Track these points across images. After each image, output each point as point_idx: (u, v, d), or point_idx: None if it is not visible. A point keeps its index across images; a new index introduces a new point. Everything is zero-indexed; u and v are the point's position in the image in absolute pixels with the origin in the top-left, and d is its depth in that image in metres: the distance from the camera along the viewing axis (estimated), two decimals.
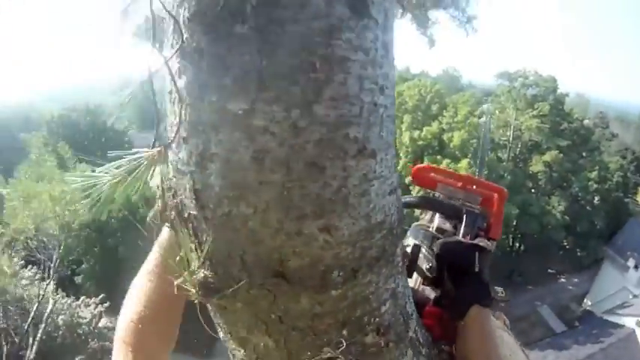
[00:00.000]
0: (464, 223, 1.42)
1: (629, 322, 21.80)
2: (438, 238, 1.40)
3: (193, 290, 0.86)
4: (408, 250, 1.41)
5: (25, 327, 13.60)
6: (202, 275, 0.85)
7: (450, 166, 25.84)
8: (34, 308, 13.70)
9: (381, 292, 0.92)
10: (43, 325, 13.58)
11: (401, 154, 28.52)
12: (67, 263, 23.41)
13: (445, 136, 27.84)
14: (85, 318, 15.29)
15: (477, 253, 1.28)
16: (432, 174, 1.52)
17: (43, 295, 14.12)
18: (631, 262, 26.66)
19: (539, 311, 28.53)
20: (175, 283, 0.88)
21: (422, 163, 27.54)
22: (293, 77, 0.70)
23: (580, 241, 31.13)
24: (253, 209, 0.77)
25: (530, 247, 31.63)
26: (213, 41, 0.71)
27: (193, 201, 0.82)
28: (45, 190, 15.05)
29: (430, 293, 1.35)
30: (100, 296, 16.22)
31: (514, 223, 28.85)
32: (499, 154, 30.54)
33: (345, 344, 0.88)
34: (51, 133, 29.73)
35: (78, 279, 24.36)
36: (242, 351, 1.00)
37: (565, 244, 32.30)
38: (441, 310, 1.28)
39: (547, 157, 29.74)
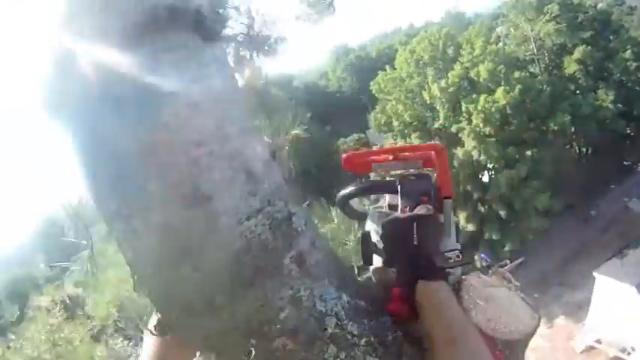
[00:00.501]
0: (399, 195, 1.40)
1: None
2: None
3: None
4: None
5: None
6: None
7: (487, 99, 24.57)
8: None
9: (275, 302, 1.03)
10: None
11: (437, 107, 27.69)
12: None
13: (472, 73, 27.05)
14: None
15: (415, 224, 1.24)
16: (361, 159, 1.52)
17: None
18: None
19: (630, 206, 27.47)
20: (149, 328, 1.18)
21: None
22: None
23: None
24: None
25: (598, 148, 29.01)
26: None
27: None
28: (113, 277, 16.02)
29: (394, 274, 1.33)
30: None
31: (572, 130, 26.81)
32: (531, 70, 29.46)
33: (253, 351, 1.03)
34: None
35: None
36: None
37: (629, 131, 29.23)
38: (401, 289, 1.26)
39: (577, 54, 27.20)
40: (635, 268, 19.58)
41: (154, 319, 1.19)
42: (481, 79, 26.15)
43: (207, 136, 0.97)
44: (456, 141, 26.35)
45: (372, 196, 1.68)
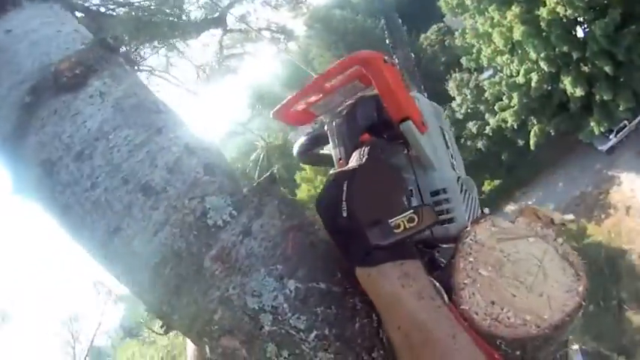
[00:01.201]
0: (331, 143, 1.12)
1: None
2: None
3: None
4: None
5: None
6: None
7: None
8: None
9: (206, 305, 1.03)
10: None
11: None
12: None
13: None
14: None
15: (344, 186, 0.90)
16: (291, 108, 1.18)
17: None
18: None
19: None
20: None
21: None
22: None
23: None
24: None
25: None
26: None
27: None
28: None
29: None
30: None
31: None
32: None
33: (208, 350, 1.06)
34: None
35: None
36: None
37: None
38: None
39: None
40: None
41: None
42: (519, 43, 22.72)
43: (97, 175, 1.07)
44: (537, 2, 23.49)
45: None
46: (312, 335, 1.00)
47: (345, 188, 0.89)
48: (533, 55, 22.70)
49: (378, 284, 0.87)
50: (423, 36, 32.99)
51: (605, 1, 20.90)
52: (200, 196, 1.06)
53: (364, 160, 0.93)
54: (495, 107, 24.76)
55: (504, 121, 24.24)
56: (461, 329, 0.82)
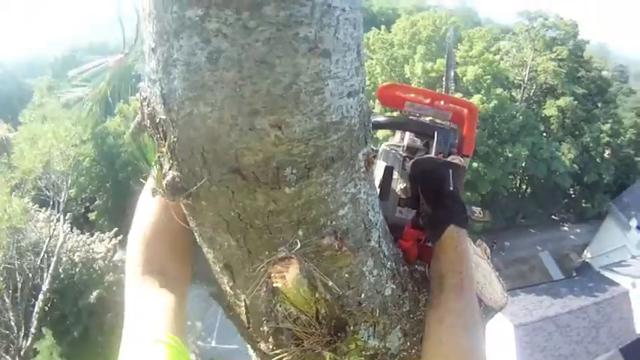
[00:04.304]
0: (435, 140, 1.42)
1: (624, 281, 22.70)
2: (410, 158, 1.41)
3: (164, 192, 0.93)
4: (380, 173, 1.42)
5: (38, 263, 14.99)
6: (171, 176, 0.92)
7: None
8: (45, 245, 15.10)
9: (339, 195, 0.95)
10: (54, 259, 14.94)
11: (412, 84, 28.28)
12: (80, 201, 25.85)
13: (459, 70, 27.52)
14: (100, 253, 16.76)
15: (450, 171, 1.29)
16: (398, 92, 1.50)
17: (54, 231, 15.50)
18: (634, 222, 27.37)
19: (540, 256, 29.78)
20: (151, 186, 0.99)
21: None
22: None
23: (586, 192, 31.94)
24: (210, 107, 0.81)
25: (537, 191, 32.59)
26: None
27: (161, 106, 0.87)
28: (49, 130, 15.42)
29: (407, 214, 1.37)
30: (114, 230, 17.30)
31: (522, 165, 29.56)
32: (513, 93, 30.36)
33: (299, 244, 0.93)
34: (55, 76, 30.18)
35: (92, 216, 25.91)
36: (212, 253, 1.08)
37: (571, 192, 33.15)
38: (418, 231, 1.32)
39: (561, 102, 29.72)
40: (521, 309, 21.12)
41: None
42: (464, 79, 26.78)
43: None
44: None
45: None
46: (389, 263, 1.16)
47: (451, 172, 1.29)
48: None
49: (461, 240, 1.24)
50: None
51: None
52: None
53: (464, 163, 1.36)
54: None
55: None
56: None
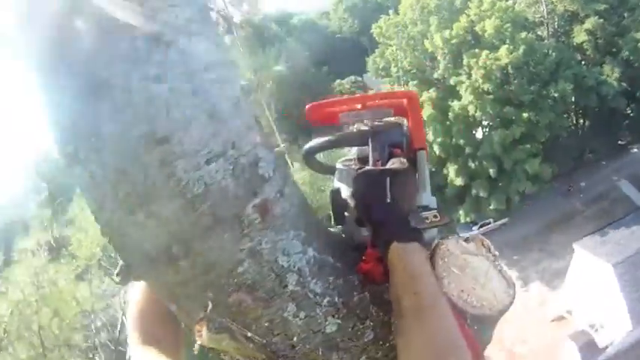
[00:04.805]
0: (370, 147, 1.34)
1: None
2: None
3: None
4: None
5: (117, 333, 16.91)
6: (119, 266, 1.12)
7: (489, 56, 25.00)
8: (121, 314, 16.62)
9: (232, 254, 1.00)
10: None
11: (438, 57, 27.81)
12: None
13: (477, 28, 26.70)
14: None
15: (388, 180, 1.19)
16: (326, 109, 1.45)
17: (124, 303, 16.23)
18: None
19: (619, 186, 27.52)
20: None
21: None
22: None
23: None
24: (110, 213, 0.98)
25: (595, 123, 29.80)
26: None
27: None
28: None
29: (367, 233, 1.29)
30: None
31: (572, 100, 27.62)
32: (538, 33, 29.20)
33: (211, 305, 1.01)
34: None
35: None
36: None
37: (629, 112, 30.11)
38: (375, 250, 1.23)
39: (587, 24, 27.38)
40: (614, 246, 20.26)
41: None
42: (486, 35, 26.17)
43: (167, 71, 0.89)
44: (453, 94, 26.32)
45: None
46: (326, 300, 1.13)
47: (388, 181, 1.18)
48: (430, 137, 24.74)
49: (409, 256, 1.14)
50: (337, 81, 34.54)
51: (513, 117, 23.65)
52: (253, 144, 1.02)
53: (406, 165, 1.25)
54: None
55: None
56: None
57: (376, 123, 1.40)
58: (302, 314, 1.09)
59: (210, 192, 0.94)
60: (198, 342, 1.03)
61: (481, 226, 27.90)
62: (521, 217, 27.34)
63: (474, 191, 27.10)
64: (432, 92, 27.17)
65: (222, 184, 0.96)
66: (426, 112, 25.68)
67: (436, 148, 26.72)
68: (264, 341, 1.06)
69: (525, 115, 25.28)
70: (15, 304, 16.26)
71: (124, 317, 16.85)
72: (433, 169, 26.15)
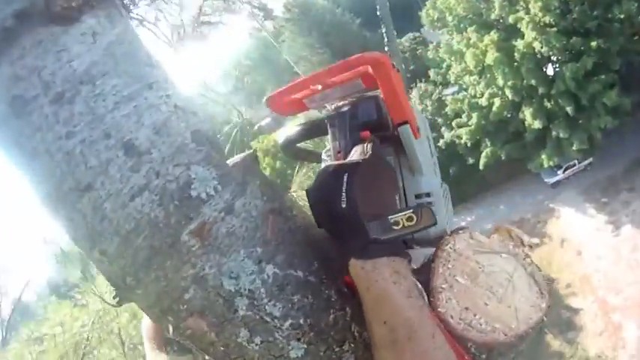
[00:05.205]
0: (330, 134, 1.14)
1: None
2: None
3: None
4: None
5: None
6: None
7: None
8: None
9: (177, 282, 0.99)
10: None
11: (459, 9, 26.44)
12: None
13: None
14: None
15: (345, 179, 0.93)
16: (287, 96, 1.25)
17: None
18: None
19: None
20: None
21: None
22: None
23: None
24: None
25: None
26: None
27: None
28: None
29: None
30: None
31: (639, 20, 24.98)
32: None
33: (171, 329, 1.03)
34: None
35: None
36: None
37: None
38: None
39: None
40: None
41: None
42: None
43: (76, 125, 0.96)
44: (515, 33, 24.59)
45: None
46: (287, 324, 1.02)
47: (345, 179, 0.93)
48: (500, 82, 23.81)
49: (371, 278, 0.90)
50: (397, 41, 33.59)
51: (582, 48, 21.90)
52: (186, 164, 1.00)
53: (368, 155, 0.97)
54: (453, 123, 26.05)
55: (459, 137, 25.53)
56: (438, 330, 0.91)
57: (339, 104, 1.18)
58: (257, 339, 1.02)
59: (140, 226, 0.97)
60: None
61: (566, 169, 24.84)
62: (606, 155, 25.24)
63: (553, 133, 25.22)
64: (494, 34, 25.37)
65: (152, 216, 0.97)
66: (491, 56, 24.28)
67: (508, 93, 24.87)
68: None
69: (594, 43, 22.54)
70: (96, 313, 17.26)
71: None
72: (509, 115, 23.84)
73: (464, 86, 26.21)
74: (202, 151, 1.03)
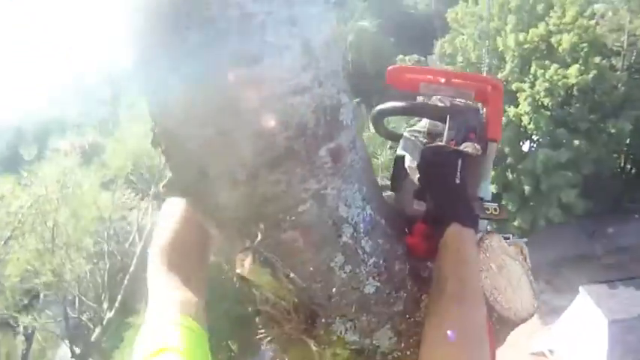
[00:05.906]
0: (447, 125, 1.30)
1: None
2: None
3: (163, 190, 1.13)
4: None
5: (127, 245, 18.14)
6: (167, 178, 1.10)
7: (558, 71, 23.48)
8: (134, 233, 18.14)
9: (297, 192, 0.98)
10: (141, 244, 17.23)
11: (507, 58, 27.04)
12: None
13: (553, 39, 25.76)
14: None
15: (460, 161, 1.18)
16: (408, 74, 1.41)
17: (142, 220, 18.49)
18: None
19: None
20: (160, 187, 1.14)
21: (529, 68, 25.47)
22: None
23: None
24: (181, 126, 0.94)
25: None
26: None
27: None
28: (140, 131, 17.11)
29: (421, 207, 1.28)
30: None
31: (627, 142, 25.90)
32: (612, 62, 28.02)
33: (260, 237, 0.99)
34: None
35: None
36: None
37: None
38: (430, 226, 1.22)
39: None
40: (618, 303, 19.55)
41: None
42: (560, 49, 24.71)
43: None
44: (511, 99, 25.53)
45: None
46: (372, 260, 1.12)
47: (460, 163, 1.17)
48: None
49: (465, 241, 1.14)
50: (400, 56, 33.88)
51: (564, 141, 24.14)
52: (338, 89, 0.98)
53: (480, 152, 1.24)
54: None
55: None
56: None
57: (455, 102, 1.36)
58: (347, 268, 1.09)
59: (289, 123, 0.91)
60: (238, 271, 1.02)
61: None
62: (539, 243, 26.85)
63: (503, 202, 26.60)
64: (495, 77, 26.39)
65: (304, 119, 0.92)
66: None
67: None
68: (305, 285, 1.06)
69: (577, 142, 24.42)
70: (36, 198, 17.00)
71: (137, 232, 18.31)
72: None
73: None
74: (346, 83, 1.05)
